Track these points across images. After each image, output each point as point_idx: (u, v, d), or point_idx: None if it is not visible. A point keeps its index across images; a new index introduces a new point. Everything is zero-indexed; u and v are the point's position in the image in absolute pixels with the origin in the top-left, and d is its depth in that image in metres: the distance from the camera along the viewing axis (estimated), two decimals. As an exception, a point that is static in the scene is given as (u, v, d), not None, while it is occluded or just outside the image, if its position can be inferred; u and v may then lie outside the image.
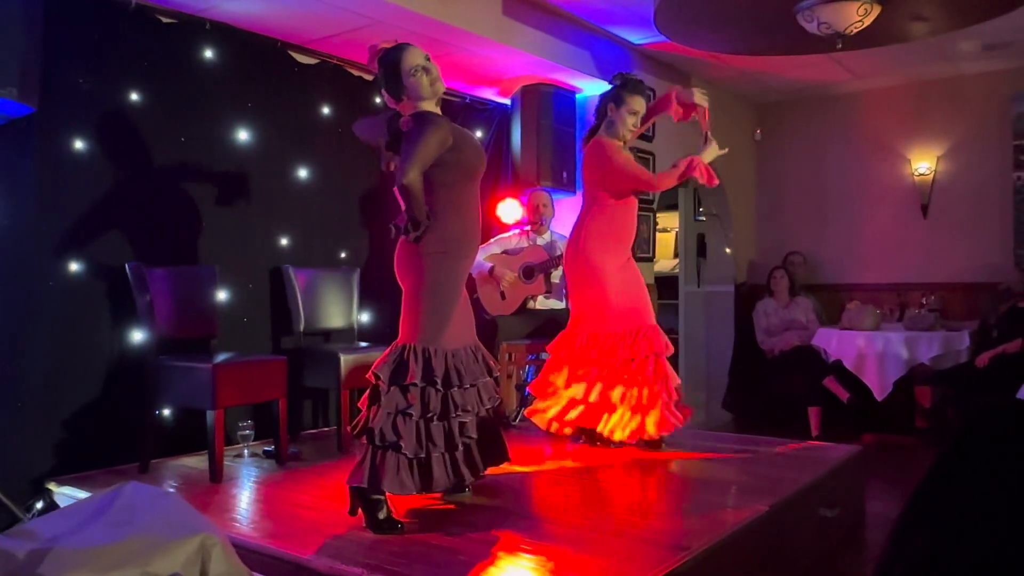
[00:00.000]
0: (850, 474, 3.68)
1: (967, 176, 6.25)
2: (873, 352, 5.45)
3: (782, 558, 2.93)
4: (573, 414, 3.79)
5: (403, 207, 2.74)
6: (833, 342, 5.67)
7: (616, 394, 3.69)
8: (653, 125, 4.13)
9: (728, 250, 6.88)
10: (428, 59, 2.85)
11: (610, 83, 3.87)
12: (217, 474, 3.36)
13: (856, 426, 5.55)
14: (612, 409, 3.71)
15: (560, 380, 3.82)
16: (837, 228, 6.78)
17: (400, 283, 2.91)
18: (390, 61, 2.83)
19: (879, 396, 5.42)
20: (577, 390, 3.75)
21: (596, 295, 3.76)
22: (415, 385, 2.71)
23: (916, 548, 1.33)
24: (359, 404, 2.84)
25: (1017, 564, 1.20)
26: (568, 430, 3.88)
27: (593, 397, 3.69)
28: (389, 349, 2.81)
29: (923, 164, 6.38)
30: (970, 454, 1.32)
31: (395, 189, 2.71)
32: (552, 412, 3.84)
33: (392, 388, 2.70)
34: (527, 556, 2.40)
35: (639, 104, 3.75)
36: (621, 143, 3.79)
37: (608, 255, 3.77)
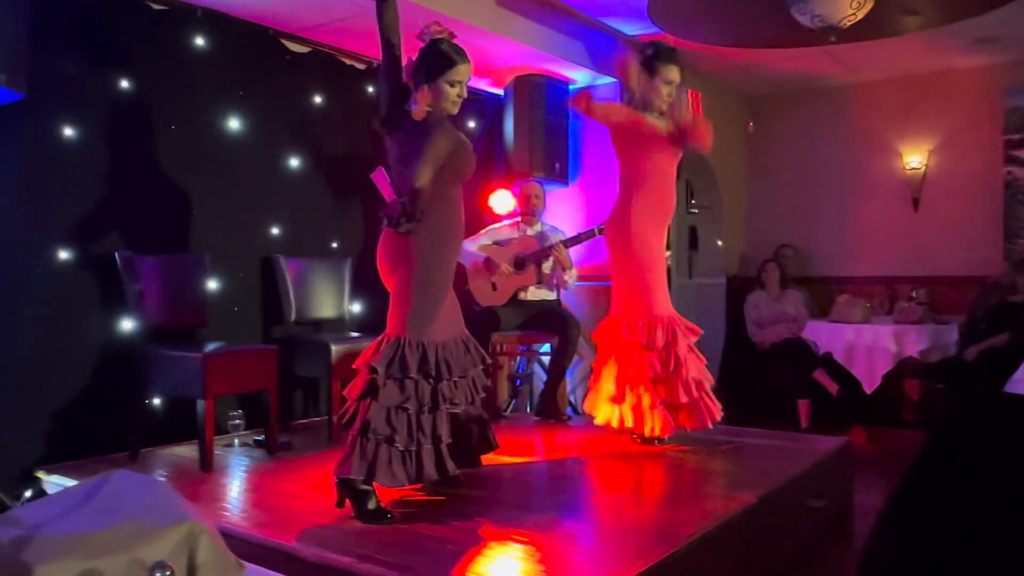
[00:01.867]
0: (838, 466, 3.70)
1: (958, 170, 6.27)
2: (862, 345, 5.47)
3: (770, 548, 2.95)
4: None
5: (388, 198, 2.74)
6: (823, 335, 5.69)
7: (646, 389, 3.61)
8: None
9: (719, 242, 6.89)
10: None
11: (641, 53, 3.72)
12: (207, 463, 3.35)
13: (845, 418, 5.58)
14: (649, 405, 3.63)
15: (611, 374, 3.70)
16: (828, 221, 6.79)
17: (384, 275, 2.89)
18: (443, 56, 2.79)
19: (868, 389, 5.44)
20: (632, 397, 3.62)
21: (642, 277, 3.64)
22: (411, 379, 2.72)
23: (901, 538, 1.34)
24: (344, 393, 2.83)
25: (999, 552, 1.21)
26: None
27: (645, 402, 3.60)
28: (379, 341, 2.80)
29: (915, 158, 6.39)
30: (954, 446, 1.33)
31: (372, 176, 2.71)
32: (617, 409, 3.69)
33: (388, 382, 2.70)
34: (516, 545, 2.41)
35: (673, 73, 3.63)
36: (655, 114, 3.67)
37: (655, 234, 3.68)
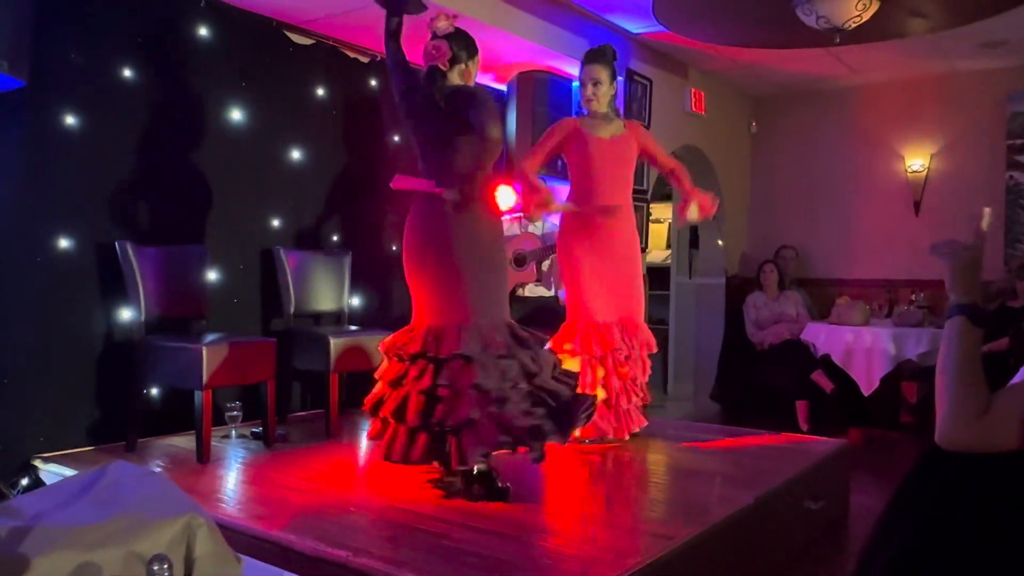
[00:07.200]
0: (835, 467, 3.71)
1: (960, 174, 6.26)
2: (861, 347, 5.47)
3: (766, 549, 2.95)
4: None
5: (425, 187, 2.85)
6: (822, 336, 5.69)
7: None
8: (649, 116, 4.08)
9: (720, 242, 6.89)
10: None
11: None
12: (204, 455, 3.35)
13: (842, 420, 5.59)
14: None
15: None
16: (829, 223, 6.79)
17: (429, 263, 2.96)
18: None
19: (866, 391, 5.45)
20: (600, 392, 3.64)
21: (573, 285, 3.81)
22: (500, 358, 2.84)
23: (899, 541, 1.34)
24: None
25: (995, 555, 1.20)
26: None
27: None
28: (446, 331, 2.87)
29: (917, 161, 6.39)
30: (952, 449, 1.32)
31: (394, 185, 2.81)
32: None
33: (475, 366, 2.80)
34: (510, 542, 2.40)
35: (585, 73, 3.79)
36: (596, 117, 3.89)
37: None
